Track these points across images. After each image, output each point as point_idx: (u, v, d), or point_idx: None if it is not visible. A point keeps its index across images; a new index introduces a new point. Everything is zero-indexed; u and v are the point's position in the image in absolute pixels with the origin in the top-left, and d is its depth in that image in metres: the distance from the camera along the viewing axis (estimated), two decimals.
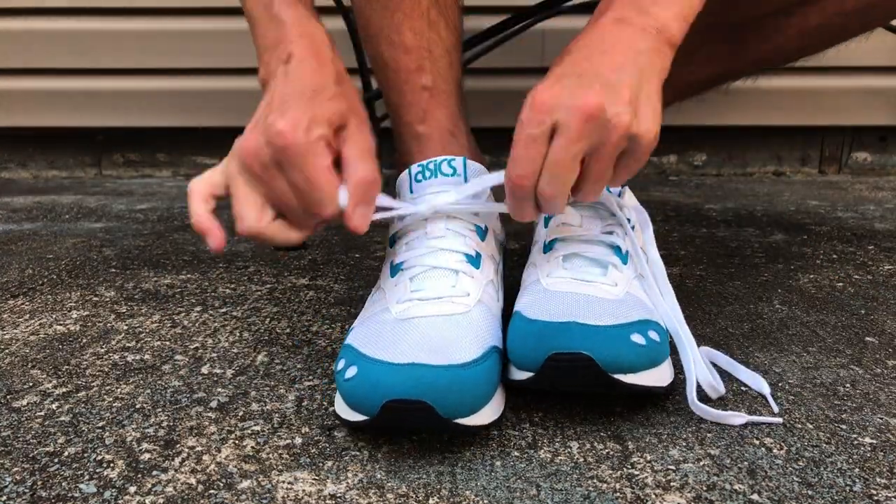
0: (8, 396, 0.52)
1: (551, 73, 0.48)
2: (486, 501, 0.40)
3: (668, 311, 0.52)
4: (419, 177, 0.54)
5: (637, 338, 0.46)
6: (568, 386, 0.47)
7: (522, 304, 0.51)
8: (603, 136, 0.45)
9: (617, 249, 0.55)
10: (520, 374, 0.48)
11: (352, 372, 0.45)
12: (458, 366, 0.43)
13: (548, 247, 0.57)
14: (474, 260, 0.53)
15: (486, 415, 0.45)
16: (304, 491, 0.41)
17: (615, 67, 0.46)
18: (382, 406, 0.42)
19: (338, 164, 0.49)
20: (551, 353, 0.45)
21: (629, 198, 0.61)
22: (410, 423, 0.44)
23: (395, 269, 0.53)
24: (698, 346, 0.51)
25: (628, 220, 0.58)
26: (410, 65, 0.57)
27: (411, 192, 0.55)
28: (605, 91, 0.45)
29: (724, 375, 0.55)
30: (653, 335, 0.47)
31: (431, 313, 0.48)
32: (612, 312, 0.47)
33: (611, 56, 0.47)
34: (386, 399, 0.41)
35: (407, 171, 0.55)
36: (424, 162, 0.54)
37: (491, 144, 1.70)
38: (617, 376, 0.45)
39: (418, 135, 0.57)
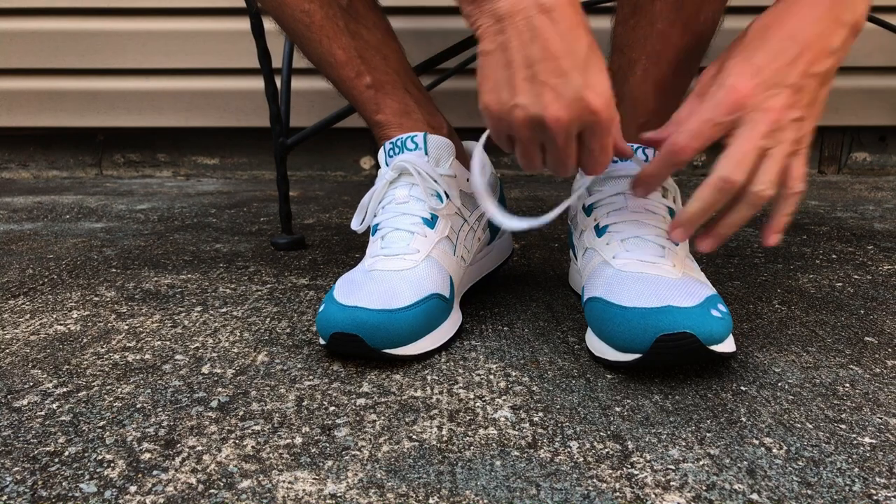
0: (8, 396, 0.52)
1: (749, 59, 0.52)
2: (486, 501, 0.40)
3: None
4: (391, 152, 0.66)
5: (716, 312, 0.53)
6: (670, 362, 0.54)
7: (601, 290, 0.58)
8: (780, 137, 0.51)
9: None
10: (624, 357, 0.54)
11: (321, 308, 0.59)
12: (389, 310, 0.56)
13: (601, 231, 0.63)
14: (430, 222, 0.64)
15: (415, 347, 0.57)
16: (304, 491, 0.41)
17: (806, 71, 0.51)
18: (331, 335, 0.56)
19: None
20: (659, 335, 0.51)
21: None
22: (351, 350, 0.56)
23: (374, 229, 0.65)
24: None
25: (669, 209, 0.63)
26: (350, 74, 0.68)
27: (387, 164, 0.67)
28: (793, 96, 0.51)
29: (722, 376, 0.55)
30: (721, 307, 0.54)
31: (386, 268, 0.60)
32: (689, 293, 0.54)
33: (807, 56, 0.51)
34: (332, 331, 0.56)
35: (382, 148, 0.68)
36: (393, 139, 0.66)
37: (491, 145, 1.71)
38: (712, 347, 0.52)
39: (378, 123, 0.68)
